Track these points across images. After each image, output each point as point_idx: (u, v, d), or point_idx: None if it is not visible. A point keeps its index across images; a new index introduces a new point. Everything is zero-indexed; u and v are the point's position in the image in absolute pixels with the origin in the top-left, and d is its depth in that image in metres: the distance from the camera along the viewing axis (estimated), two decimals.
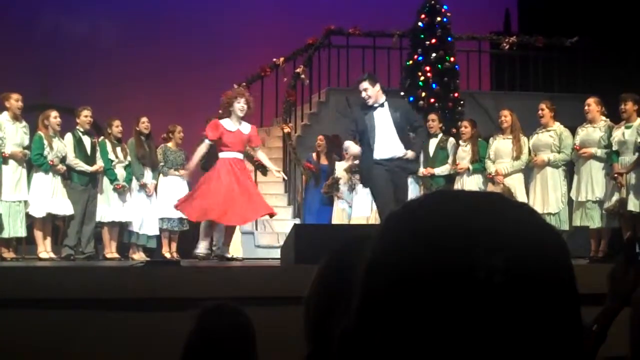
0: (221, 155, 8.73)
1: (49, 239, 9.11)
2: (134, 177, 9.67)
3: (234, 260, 8.88)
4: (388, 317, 0.72)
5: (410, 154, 7.74)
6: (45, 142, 8.91)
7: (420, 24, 11.74)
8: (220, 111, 9.03)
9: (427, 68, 11.47)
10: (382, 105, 7.74)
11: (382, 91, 7.83)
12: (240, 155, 8.77)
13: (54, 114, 9.13)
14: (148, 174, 9.77)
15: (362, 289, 0.76)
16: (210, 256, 9.04)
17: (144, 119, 9.87)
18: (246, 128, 8.85)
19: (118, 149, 9.58)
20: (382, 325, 0.73)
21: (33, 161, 8.89)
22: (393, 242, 0.75)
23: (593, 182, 8.55)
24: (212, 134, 8.68)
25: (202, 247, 8.83)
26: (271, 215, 9.08)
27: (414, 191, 9.49)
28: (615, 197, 8.31)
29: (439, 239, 0.72)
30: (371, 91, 7.69)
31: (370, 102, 7.71)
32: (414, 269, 0.72)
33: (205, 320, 2.59)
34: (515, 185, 9.06)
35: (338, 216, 10.59)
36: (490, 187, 9.14)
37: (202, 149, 8.87)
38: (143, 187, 9.68)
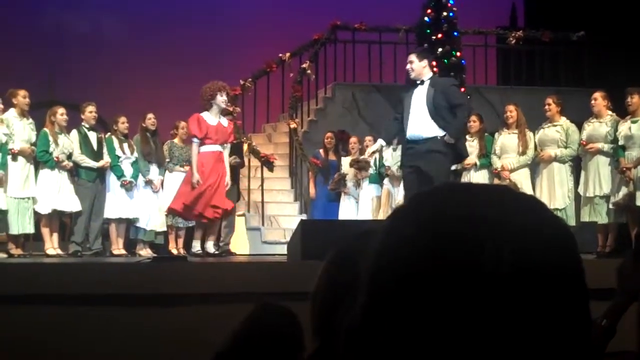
0: (203, 149, 8.70)
1: (56, 236, 9.13)
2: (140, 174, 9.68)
3: (219, 256, 8.90)
4: (395, 312, 0.71)
5: (447, 138, 7.29)
6: (51, 138, 8.92)
7: (426, 18, 11.73)
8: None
9: (434, 63, 11.41)
10: (422, 82, 7.49)
11: (430, 69, 7.61)
12: (222, 148, 8.77)
13: (60, 110, 9.14)
14: (154, 170, 9.77)
15: (368, 284, 0.75)
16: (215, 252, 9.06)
17: (150, 115, 9.87)
18: (224, 121, 8.91)
19: (125, 145, 9.58)
20: (389, 319, 0.72)
21: (38, 157, 8.90)
22: (400, 236, 0.74)
23: (600, 177, 8.52)
24: (198, 131, 8.66)
25: (196, 246, 8.91)
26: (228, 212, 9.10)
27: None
28: (623, 192, 8.29)
29: (446, 232, 0.72)
30: (416, 65, 7.49)
31: (412, 75, 7.53)
32: (420, 263, 0.71)
33: (254, 318, 2.56)
34: (522, 180, 9.03)
35: (345, 212, 10.59)
36: (497, 183, 9.12)
37: (195, 151, 8.80)
38: (149, 183, 9.68)
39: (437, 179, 7.09)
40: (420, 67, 7.50)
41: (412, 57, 7.56)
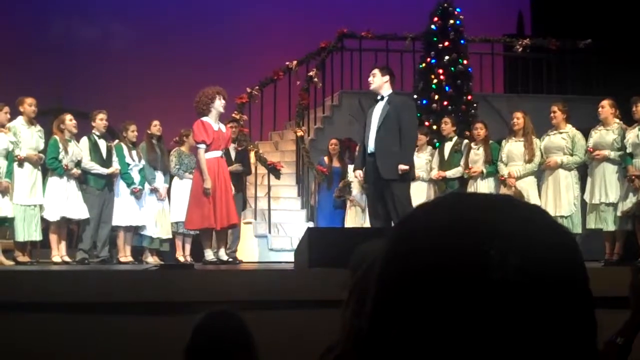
0: (207, 155, 8.50)
1: (63, 243, 9.13)
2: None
3: (232, 264, 8.82)
4: (401, 319, 0.72)
5: (401, 167, 7.45)
6: (61, 145, 8.93)
7: (433, 26, 11.74)
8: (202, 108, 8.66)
9: (440, 71, 11.46)
10: (382, 98, 7.68)
11: (390, 86, 7.74)
12: (222, 154, 8.72)
13: (69, 117, 9.16)
14: (159, 178, 9.78)
15: (374, 292, 0.76)
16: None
17: (156, 122, 9.90)
18: (223, 127, 8.82)
19: (133, 153, 9.60)
20: (395, 327, 0.73)
21: (47, 165, 8.91)
22: (406, 244, 0.75)
23: (607, 184, 8.50)
24: (207, 137, 8.45)
25: (209, 254, 8.62)
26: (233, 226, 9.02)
27: (428, 195, 9.50)
28: (630, 200, 8.27)
29: (452, 241, 0.72)
30: (377, 78, 7.69)
31: (371, 87, 7.76)
32: (427, 270, 0.72)
33: (200, 327, 2.63)
34: (528, 188, 8.98)
35: (351, 219, 10.59)
36: (503, 190, 9.09)
37: (203, 158, 8.46)
38: (154, 191, 9.69)
39: (394, 201, 7.37)
40: (381, 81, 7.69)
41: (375, 71, 7.77)
